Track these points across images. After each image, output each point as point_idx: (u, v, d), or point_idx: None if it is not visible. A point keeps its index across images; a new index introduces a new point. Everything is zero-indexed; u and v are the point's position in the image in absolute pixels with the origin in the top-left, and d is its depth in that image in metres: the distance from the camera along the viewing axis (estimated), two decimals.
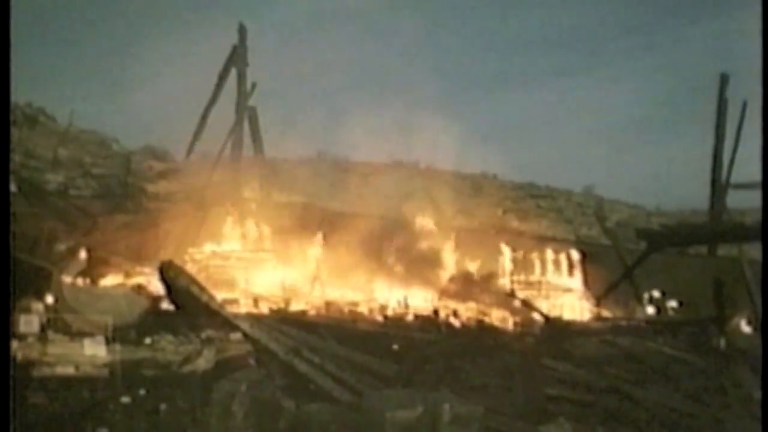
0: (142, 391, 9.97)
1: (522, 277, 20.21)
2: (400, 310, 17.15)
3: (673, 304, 20.32)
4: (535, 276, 20.37)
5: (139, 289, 12.60)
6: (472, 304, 18.01)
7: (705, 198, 29.36)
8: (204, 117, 18.78)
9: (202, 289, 13.17)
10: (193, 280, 13.25)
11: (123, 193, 26.92)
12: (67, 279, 12.47)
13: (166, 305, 13.40)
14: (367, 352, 12.80)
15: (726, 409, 12.63)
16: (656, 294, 20.29)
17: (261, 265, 18.82)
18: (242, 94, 18.65)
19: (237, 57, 19.04)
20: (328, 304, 16.67)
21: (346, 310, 16.62)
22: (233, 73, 19.91)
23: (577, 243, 26.97)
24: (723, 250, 26.02)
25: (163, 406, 9.60)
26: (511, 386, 12.24)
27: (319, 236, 19.32)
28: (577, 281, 20.60)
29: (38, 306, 12.12)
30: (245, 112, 18.49)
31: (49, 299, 12.38)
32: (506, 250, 20.50)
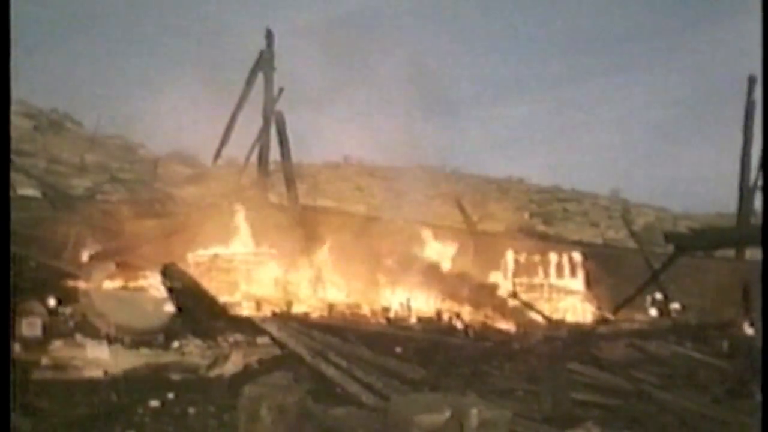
0: (170, 395, 10.03)
1: (525, 280, 20.20)
2: (402, 313, 17.19)
3: (675, 306, 20.26)
4: (539, 278, 20.36)
5: (167, 293, 12.64)
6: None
7: (732, 201, 29.17)
8: (231, 122, 18.80)
9: (205, 292, 13.28)
10: (196, 283, 13.34)
11: (150, 198, 27.03)
12: (95, 284, 12.57)
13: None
14: (394, 355, 12.84)
15: (754, 413, 12.55)
16: (658, 296, 20.23)
17: (264, 268, 18.81)
18: (269, 99, 18.66)
19: (264, 62, 19.07)
20: (330, 307, 16.72)
21: (348, 312, 16.67)
22: (260, 77, 19.96)
23: (603, 246, 26.88)
24: (751, 254, 25.83)
25: (191, 410, 9.65)
26: (538, 391, 12.22)
27: (323, 239, 19.31)
28: (579, 283, 20.55)
29: (66, 310, 12.24)
30: (272, 117, 18.50)
31: (58, 303, 12.49)
32: (509, 254, 20.48)
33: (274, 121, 18.71)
